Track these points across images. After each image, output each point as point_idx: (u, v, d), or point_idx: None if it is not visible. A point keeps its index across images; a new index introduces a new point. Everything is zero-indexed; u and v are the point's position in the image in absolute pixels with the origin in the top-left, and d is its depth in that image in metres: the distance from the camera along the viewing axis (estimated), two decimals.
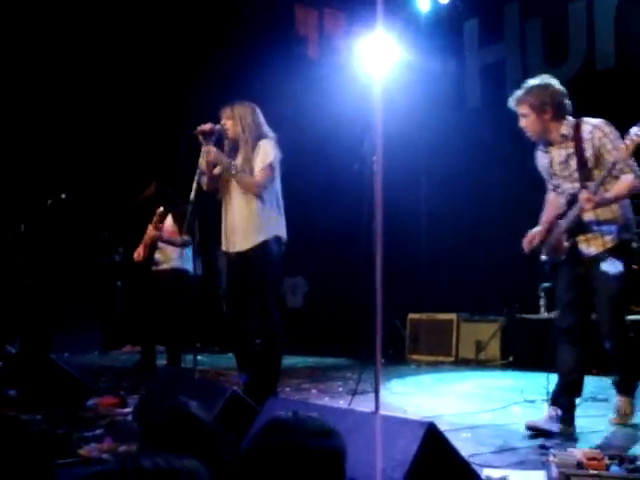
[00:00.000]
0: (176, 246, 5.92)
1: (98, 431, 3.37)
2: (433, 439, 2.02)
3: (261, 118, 4.14)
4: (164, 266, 6.01)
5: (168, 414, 2.02)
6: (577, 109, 7.22)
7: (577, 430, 3.39)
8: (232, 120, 4.06)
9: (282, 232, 4.10)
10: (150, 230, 5.94)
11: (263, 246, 3.98)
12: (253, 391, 3.74)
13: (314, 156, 9.02)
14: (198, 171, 4.03)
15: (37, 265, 7.31)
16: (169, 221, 6.05)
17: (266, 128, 4.13)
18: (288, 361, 7.31)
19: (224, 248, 4.15)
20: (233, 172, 3.99)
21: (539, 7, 7.88)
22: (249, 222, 3.99)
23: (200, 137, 4.05)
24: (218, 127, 4.11)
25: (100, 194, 8.52)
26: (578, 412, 3.87)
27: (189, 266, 5.98)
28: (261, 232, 3.98)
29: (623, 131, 6.29)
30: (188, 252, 5.99)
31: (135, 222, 5.99)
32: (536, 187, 7.27)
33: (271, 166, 3.99)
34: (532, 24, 7.94)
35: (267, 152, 3.99)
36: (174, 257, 5.97)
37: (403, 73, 7.56)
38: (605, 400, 4.32)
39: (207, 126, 4.08)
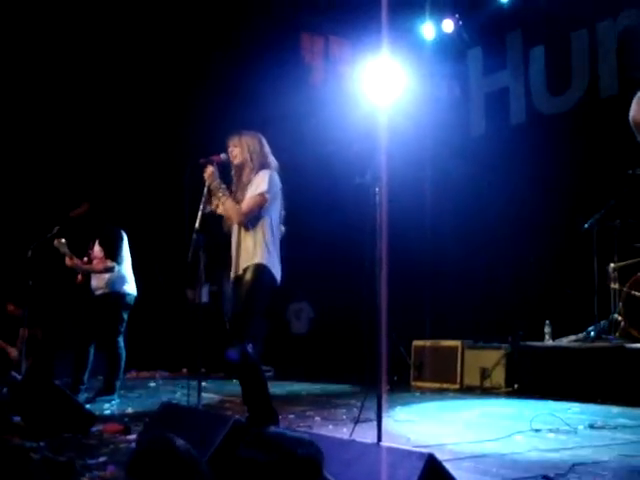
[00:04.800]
0: (98, 273, 5.95)
1: (101, 459, 3.37)
2: (433, 471, 2.03)
3: (267, 148, 4.18)
4: (98, 292, 6.00)
5: (148, 447, 2.05)
6: (581, 137, 7.33)
7: (580, 460, 3.37)
8: (239, 148, 4.11)
9: (275, 269, 4.03)
10: (67, 261, 5.95)
11: (254, 269, 3.96)
12: (255, 422, 3.75)
13: (318, 181, 9.07)
14: (203, 199, 4.08)
15: (43, 290, 7.35)
16: (97, 246, 6.07)
17: (271, 158, 4.16)
18: (292, 388, 7.31)
19: (232, 273, 4.15)
20: (220, 195, 4.02)
21: (542, 35, 7.98)
22: (246, 247, 4.01)
23: (205, 167, 4.11)
24: (223, 157, 4.17)
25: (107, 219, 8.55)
26: (581, 442, 3.85)
27: (125, 287, 5.99)
28: (255, 256, 3.97)
29: (628, 158, 6.35)
30: (122, 273, 5.98)
31: (68, 239, 6.02)
32: (540, 214, 7.33)
33: (262, 196, 3.97)
34: (535, 52, 8.03)
35: (261, 182, 3.99)
36: (106, 282, 5.95)
37: (408, 100, 7.63)
38: (610, 429, 4.30)
39: (213, 157, 4.15)
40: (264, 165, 4.08)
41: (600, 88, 7.40)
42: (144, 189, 9.35)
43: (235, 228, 4.11)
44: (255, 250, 3.99)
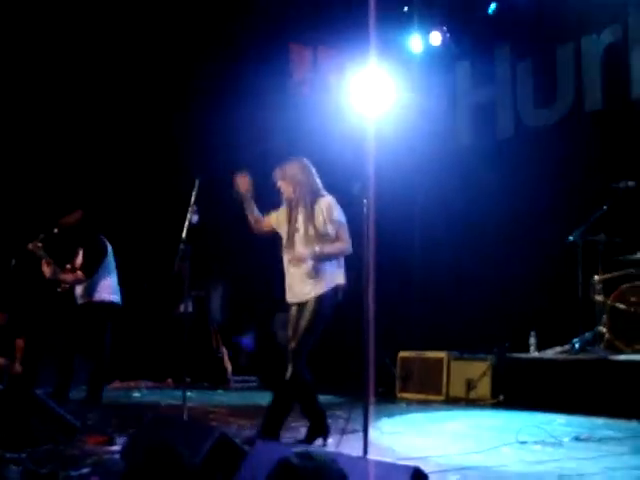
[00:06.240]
0: (67, 283, 5.97)
1: (85, 470, 3.33)
2: None
3: (312, 172, 4.28)
4: (82, 301, 6.01)
5: (152, 452, 2.02)
6: (566, 150, 7.39)
7: (566, 472, 3.37)
8: (285, 181, 4.23)
9: (340, 280, 4.18)
10: (43, 266, 5.94)
11: (317, 300, 4.11)
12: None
13: None
14: (190, 209, 4.08)
15: (27, 300, 7.30)
16: (80, 258, 6.07)
17: (318, 182, 4.27)
18: None
19: (287, 299, 4.29)
20: (326, 252, 4.10)
21: (529, 49, 8.04)
22: (307, 276, 4.12)
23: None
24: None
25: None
26: (567, 454, 3.86)
27: (111, 297, 6.00)
28: (317, 286, 4.11)
29: (613, 172, 6.41)
30: (107, 283, 5.98)
31: (53, 246, 6.01)
32: (526, 226, 7.38)
33: (340, 222, 4.14)
34: (522, 66, 8.09)
35: (332, 212, 4.14)
36: (90, 291, 5.96)
37: (396, 111, 7.66)
38: (595, 441, 4.31)
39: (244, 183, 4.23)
40: (316, 192, 4.20)
41: (585, 102, 7.46)
42: (132, 199, 9.30)
43: (293, 255, 4.17)
44: (321, 277, 4.11)
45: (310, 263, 4.09)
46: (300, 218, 4.18)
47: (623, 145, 6.86)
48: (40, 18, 8.39)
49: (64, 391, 5.72)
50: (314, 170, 4.29)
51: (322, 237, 4.13)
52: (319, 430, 4.22)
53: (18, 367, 7.23)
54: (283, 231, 4.27)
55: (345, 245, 4.16)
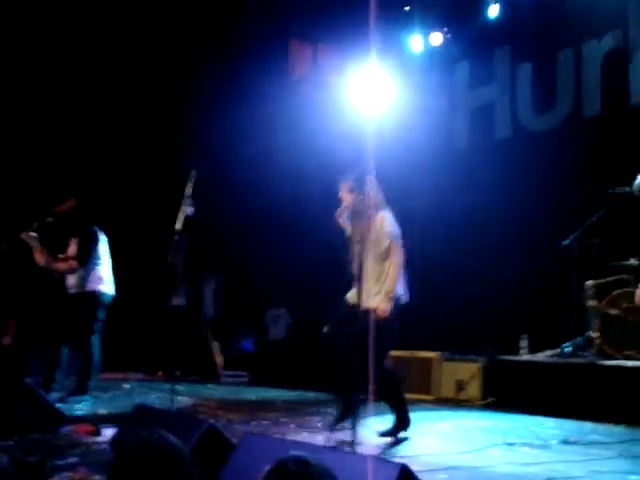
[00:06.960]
0: (61, 272, 5.98)
1: (71, 459, 3.33)
2: None
3: (374, 187, 4.41)
4: (73, 291, 6.01)
5: (144, 443, 2.00)
6: (563, 154, 7.40)
7: (553, 475, 3.38)
8: (347, 192, 4.44)
9: (402, 290, 4.39)
10: (36, 255, 5.93)
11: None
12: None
13: (306, 190, 9.05)
14: (184, 200, 4.07)
15: (19, 288, 7.27)
16: (73, 245, 6.06)
17: (381, 195, 4.43)
18: (268, 394, 7.28)
19: (351, 301, 4.37)
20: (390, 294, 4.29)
21: (529, 53, 8.04)
22: (377, 285, 4.28)
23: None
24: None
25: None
26: (554, 457, 3.87)
27: (102, 287, 5.98)
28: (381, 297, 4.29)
29: (609, 177, 6.43)
30: (99, 273, 5.98)
31: (47, 235, 6.01)
32: (521, 229, 7.39)
33: (396, 241, 4.31)
34: (522, 69, 8.09)
35: (389, 226, 4.32)
36: (81, 281, 5.95)
37: (395, 109, 7.66)
38: (583, 444, 4.32)
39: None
40: (377, 206, 4.35)
41: (583, 108, 7.47)
42: (126, 189, 9.28)
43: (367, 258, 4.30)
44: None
45: (378, 277, 4.27)
46: (360, 232, 4.30)
47: (620, 151, 6.87)
48: (42, 17, 8.37)
49: (50, 380, 5.70)
50: (376, 185, 4.42)
51: (380, 251, 4.30)
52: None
53: (8, 340, 7.21)
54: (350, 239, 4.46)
55: (396, 266, 4.29)
